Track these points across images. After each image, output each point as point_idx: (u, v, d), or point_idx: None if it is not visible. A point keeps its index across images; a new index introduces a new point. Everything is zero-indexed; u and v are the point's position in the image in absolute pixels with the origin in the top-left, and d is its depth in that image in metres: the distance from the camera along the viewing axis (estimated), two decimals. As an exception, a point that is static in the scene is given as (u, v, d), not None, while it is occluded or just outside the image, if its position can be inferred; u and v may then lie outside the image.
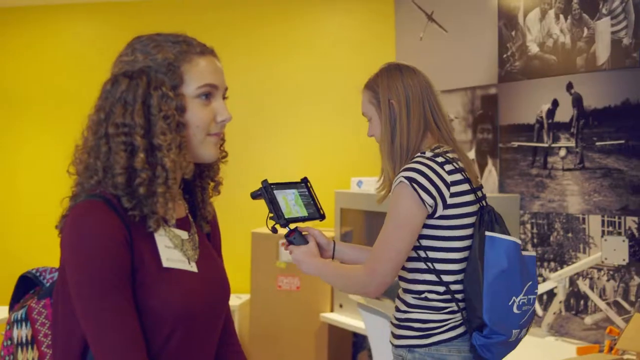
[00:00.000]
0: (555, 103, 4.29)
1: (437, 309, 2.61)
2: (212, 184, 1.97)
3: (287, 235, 2.74)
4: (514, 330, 2.56)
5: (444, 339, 2.59)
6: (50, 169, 5.90)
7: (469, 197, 2.61)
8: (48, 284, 1.98)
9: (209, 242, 1.99)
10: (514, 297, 2.53)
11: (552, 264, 4.27)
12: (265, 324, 5.23)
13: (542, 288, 4.16)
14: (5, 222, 6.10)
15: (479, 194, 2.66)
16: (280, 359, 5.18)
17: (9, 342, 1.92)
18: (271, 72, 5.80)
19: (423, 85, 2.75)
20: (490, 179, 4.75)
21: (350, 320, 4.90)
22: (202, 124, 1.82)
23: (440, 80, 5.15)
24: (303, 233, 2.76)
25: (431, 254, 2.61)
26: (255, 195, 2.62)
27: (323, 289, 5.13)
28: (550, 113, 4.31)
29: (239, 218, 5.56)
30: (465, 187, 2.61)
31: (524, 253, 2.62)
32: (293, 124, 5.77)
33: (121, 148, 1.74)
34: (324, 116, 5.74)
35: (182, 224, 1.88)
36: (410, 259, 2.64)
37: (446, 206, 2.57)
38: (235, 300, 5.49)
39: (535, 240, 4.38)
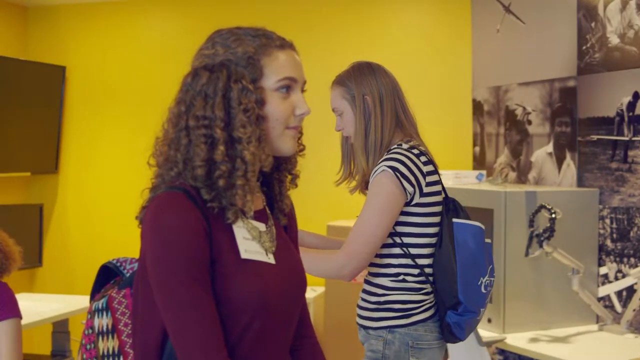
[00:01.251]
0: (636, 96, 4.21)
1: (415, 290, 2.82)
2: (289, 176, 1.98)
3: None
4: (481, 309, 2.81)
5: (421, 319, 2.81)
6: (130, 161, 6.00)
7: (438, 187, 2.85)
8: (128, 274, 2.01)
9: (286, 234, 2.00)
10: (481, 278, 2.78)
11: (632, 260, 4.19)
12: (340, 316, 5.23)
13: (622, 284, 4.09)
14: (87, 213, 6.21)
15: (442, 185, 2.90)
16: (355, 352, 5.18)
17: (90, 331, 1.95)
18: (343, 64, 5.79)
19: (393, 82, 2.97)
20: (568, 172, 4.68)
21: (425, 314, 4.88)
22: (281, 117, 1.83)
23: (517, 73, 5.10)
24: None
25: (406, 240, 2.82)
26: None
27: (398, 283, 5.11)
28: (631, 106, 4.23)
29: (314, 211, 5.58)
30: (436, 177, 2.85)
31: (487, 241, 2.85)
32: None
33: (201, 140, 1.75)
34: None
35: (260, 216, 1.89)
36: (383, 245, 2.83)
37: (422, 194, 2.79)
38: (310, 293, 5.51)
39: (614, 236, 4.31)
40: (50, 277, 6.24)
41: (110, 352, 1.93)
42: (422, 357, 2.80)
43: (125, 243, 5.87)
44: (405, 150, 2.81)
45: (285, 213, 2.00)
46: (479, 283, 2.76)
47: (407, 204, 2.79)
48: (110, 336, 1.93)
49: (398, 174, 2.75)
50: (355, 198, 5.68)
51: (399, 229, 2.82)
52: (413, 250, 2.82)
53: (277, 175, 1.96)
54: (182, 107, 1.79)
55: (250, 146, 1.76)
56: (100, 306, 1.95)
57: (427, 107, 5.62)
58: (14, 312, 3.57)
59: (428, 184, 2.80)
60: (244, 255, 1.78)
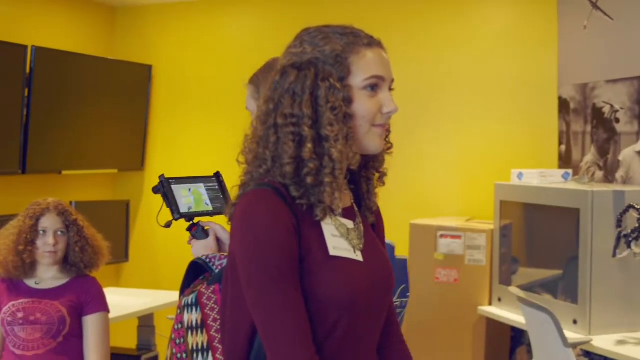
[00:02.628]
0: None
1: None
2: (376, 175, 1.98)
3: (189, 229, 2.73)
4: None
5: None
6: (214, 158, 6.05)
7: None
8: (217, 270, 2.04)
9: (373, 232, 2.00)
10: None
11: None
12: (422, 315, 5.21)
13: None
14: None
15: None
16: (437, 352, 5.16)
17: (180, 326, 1.99)
18: (430, 62, 5.77)
19: None
20: (658, 172, 4.58)
21: (509, 314, 4.83)
22: (368, 115, 1.83)
23: (604, 70, 5.01)
24: (205, 228, 2.71)
25: None
26: (155, 190, 2.71)
27: (482, 282, 5.07)
28: None
29: (397, 209, 5.56)
30: None
31: (398, 256, 2.58)
32: (452, 114, 5.72)
33: (289, 138, 1.77)
34: (484, 107, 5.67)
35: (347, 213, 1.89)
36: None
37: None
38: (392, 291, 5.49)
39: None
40: (136, 272, 6.35)
41: (199, 346, 1.95)
42: None
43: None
44: None
45: (373, 211, 2.00)
46: None
47: None
48: (199, 331, 1.96)
49: None
50: (440, 196, 5.67)
51: None
52: None
53: (364, 173, 1.96)
54: (270, 105, 1.81)
55: (337, 144, 1.77)
56: (189, 301, 1.98)
57: (512, 105, 5.56)
58: (102, 306, 3.65)
59: None
60: (332, 252, 1.79)
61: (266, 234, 1.72)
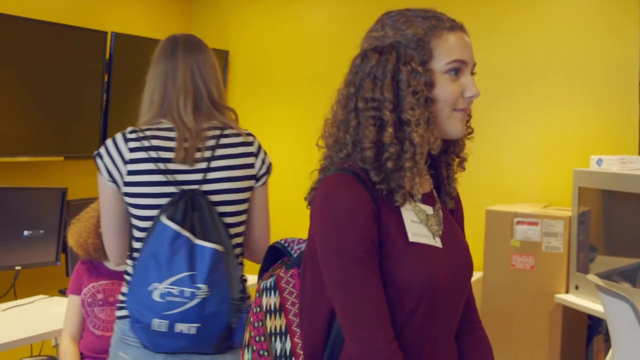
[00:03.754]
0: None
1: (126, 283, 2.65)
2: (457, 160, 1.96)
3: None
4: (155, 319, 2.44)
5: (123, 315, 2.61)
6: (291, 143, 6.07)
7: (155, 178, 2.54)
8: (296, 255, 2.04)
9: (452, 218, 1.99)
10: (154, 284, 2.43)
11: None
12: (497, 303, 5.17)
13: None
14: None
15: (182, 177, 2.55)
16: (513, 339, 5.12)
17: (258, 309, 2.00)
18: (511, 46, 5.69)
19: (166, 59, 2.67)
20: None
21: (586, 302, 4.75)
22: (449, 99, 1.81)
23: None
24: None
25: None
26: None
27: (558, 270, 5.00)
28: None
29: (472, 194, 5.50)
30: (147, 166, 2.54)
31: (201, 242, 2.45)
32: (532, 99, 5.63)
33: (370, 122, 1.76)
34: (564, 92, 5.57)
35: (427, 199, 1.88)
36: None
37: (125, 183, 2.56)
38: (467, 278, 5.45)
39: None
40: (212, 256, 6.41)
41: (278, 330, 1.96)
42: (129, 352, 2.59)
43: (283, 224, 5.96)
44: (121, 134, 2.61)
45: (453, 196, 1.99)
46: (150, 288, 2.43)
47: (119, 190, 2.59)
48: (277, 315, 1.96)
49: (99, 159, 2.61)
50: (517, 182, 5.60)
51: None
52: (132, 242, 2.65)
53: (444, 159, 1.94)
54: (351, 89, 1.80)
55: (418, 128, 1.75)
56: (268, 285, 1.98)
57: (592, 90, 5.45)
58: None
59: (131, 173, 2.55)
60: (411, 238, 1.78)
61: (346, 218, 1.72)
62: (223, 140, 2.60)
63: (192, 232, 2.45)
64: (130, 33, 5.47)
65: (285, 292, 1.96)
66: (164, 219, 2.46)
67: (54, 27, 4.89)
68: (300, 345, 1.92)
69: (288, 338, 1.95)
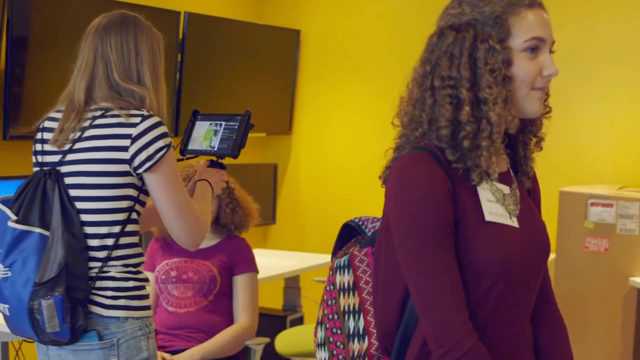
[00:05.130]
0: None
1: None
2: (534, 139, 1.93)
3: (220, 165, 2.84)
4: None
5: None
6: (362, 123, 6.06)
7: (33, 159, 2.54)
8: (370, 233, 2.04)
9: (529, 198, 1.96)
10: None
11: None
12: (570, 285, 5.11)
13: None
14: (318, 173, 6.35)
15: (46, 158, 2.48)
16: (586, 321, 5.05)
17: (332, 287, 2.00)
18: (589, 24, 5.58)
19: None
20: None
21: (662, 286, 4.68)
22: (527, 77, 1.79)
23: None
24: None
25: None
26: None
27: (633, 252, 4.92)
28: None
29: (546, 175, 5.41)
30: (34, 148, 2.55)
31: (10, 224, 2.35)
32: (609, 78, 5.51)
33: (447, 101, 1.75)
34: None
35: (504, 178, 1.86)
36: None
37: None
38: (539, 260, 5.39)
39: None
40: (283, 234, 6.43)
41: (351, 308, 1.96)
42: None
43: (356, 202, 5.97)
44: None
45: (530, 176, 1.96)
46: None
47: None
48: (351, 293, 1.97)
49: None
50: (591, 163, 5.51)
51: None
52: None
53: (522, 138, 1.92)
54: (427, 67, 1.79)
55: (496, 107, 1.74)
56: (342, 263, 1.99)
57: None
58: (252, 266, 3.72)
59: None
60: (488, 217, 1.77)
61: (421, 197, 1.71)
62: (98, 121, 2.43)
63: (17, 212, 2.39)
64: (203, 13, 5.50)
65: (359, 271, 1.96)
66: None
67: (128, 8, 4.92)
68: (373, 323, 1.92)
69: (361, 316, 1.95)
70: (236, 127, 2.76)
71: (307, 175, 6.39)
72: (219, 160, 2.82)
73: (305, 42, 6.37)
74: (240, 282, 3.67)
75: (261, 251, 5.50)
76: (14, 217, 2.36)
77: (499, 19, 1.77)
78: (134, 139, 2.38)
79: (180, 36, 5.27)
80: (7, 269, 2.35)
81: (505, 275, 1.76)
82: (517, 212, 1.85)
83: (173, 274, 3.62)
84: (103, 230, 2.40)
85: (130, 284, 2.43)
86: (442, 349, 1.71)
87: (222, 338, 3.55)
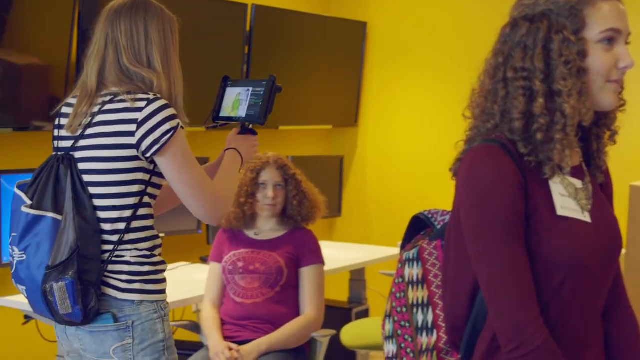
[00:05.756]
0: None
1: None
2: (608, 132, 1.90)
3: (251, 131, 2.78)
4: (16, 283, 2.48)
5: None
6: (428, 116, 6.03)
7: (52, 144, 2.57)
8: (439, 226, 2.03)
9: (602, 192, 1.93)
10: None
11: None
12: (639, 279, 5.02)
13: None
14: (384, 165, 6.33)
15: (61, 143, 2.50)
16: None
17: (400, 280, 1.99)
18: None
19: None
20: None
21: None
22: (602, 70, 1.76)
23: None
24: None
25: None
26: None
27: None
28: None
29: (615, 170, 5.34)
30: (53, 132, 2.57)
31: (24, 209, 2.40)
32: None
33: (519, 93, 1.73)
34: None
35: (576, 172, 1.83)
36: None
37: None
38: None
39: None
40: (348, 227, 6.43)
41: (420, 301, 1.96)
42: None
43: (422, 195, 5.94)
44: None
45: (602, 170, 1.93)
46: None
47: None
48: (420, 286, 1.96)
49: None
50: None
51: None
52: None
53: (595, 131, 1.89)
54: (499, 59, 1.77)
55: (570, 99, 1.71)
56: (411, 256, 1.98)
57: None
58: (318, 258, 3.73)
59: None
60: (560, 212, 1.74)
61: (492, 190, 1.70)
62: (107, 107, 2.44)
63: (32, 197, 2.44)
64: (270, 5, 5.52)
65: (428, 264, 1.95)
66: (20, 183, 2.51)
67: (197, 0, 4.97)
68: (442, 317, 1.92)
69: (430, 310, 1.94)
70: (262, 92, 2.71)
71: (373, 167, 6.38)
72: (250, 127, 2.78)
73: (372, 34, 6.36)
74: (306, 273, 3.68)
75: (327, 243, 5.50)
76: (28, 202, 2.42)
77: (573, 9, 1.74)
78: (140, 124, 2.38)
79: (248, 28, 5.30)
80: (22, 252, 2.41)
81: (577, 270, 1.73)
82: (590, 206, 1.82)
83: (240, 264, 3.64)
84: (114, 214, 2.42)
85: (145, 268, 2.45)
86: (512, 344, 1.70)
87: (289, 329, 3.57)
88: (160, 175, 2.48)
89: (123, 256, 2.43)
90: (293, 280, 3.66)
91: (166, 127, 2.38)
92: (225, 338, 3.55)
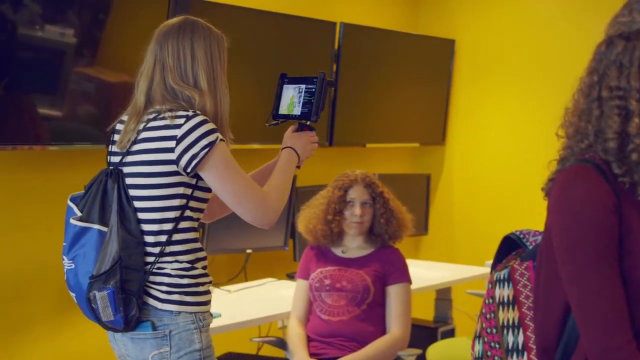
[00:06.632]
0: None
1: None
2: None
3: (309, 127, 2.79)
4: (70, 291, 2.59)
5: None
6: (518, 135, 5.96)
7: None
8: (531, 247, 2.00)
9: None
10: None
11: None
12: None
13: None
14: (472, 184, 6.28)
15: (112, 158, 2.60)
16: None
17: (491, 300, 1.97)
18: None
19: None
20: None
21: None
22: None
23: None
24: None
25: None
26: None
27: None
28: None
29: None
30: (108, 148, 2.66)
31: (72, 220, 2.51)
32: None
33: (615, 112, 1.70)
34: None
35: None
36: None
37: None
38: None
39: None
40: (435, 245, 6.39)
41: (510, 323, 1.93)
42: None
43: (510, 214, 5.87)
44: None
45: None
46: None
47: None
48: (510, 307, 1.94)
49: None
50: None
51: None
52: None
53: None
54: (594, 77, 1.75)
55: None
56: (502, 277, 1.96)
57: None
58: (405, 277, 3.72)
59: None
60: None
61: (585, 211, 1.67)
62: (150, 124, 2.52)
63: (82, 209, 2.53)
64: (358, 23, 5.54)
65: (519, 285, 1.93)
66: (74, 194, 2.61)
67: (285, 19, 5.01)
68: (532, 339, 1.89)
69: (521, 331, 1.92)
70: (314, 90, 2.73)
71: (460, 186, 6.34)
72: (307, 123, 2.79)
73: (460, 52, 6.33)
74: (393, 292, 3.67)
75: (413, 262, 5.46)
76: (78, 214, 2.52)
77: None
78: (179, 140, 2.44)
79: (336, 46, 5.32)
80: (71, 261, 2.51)
81: None
82: None
83: (327, 282, 3.65)
84: (155, 227, 2.49)
85: (185, 280, 2.51)
86: None
87: (375, 348, 3.56)
88: (204, 189, 2.55)
89: (164, 268, 2.50)
90: (380, 298, 3.65)
91: (204, 142, 2.44)
92: (311, 355, 3.56)
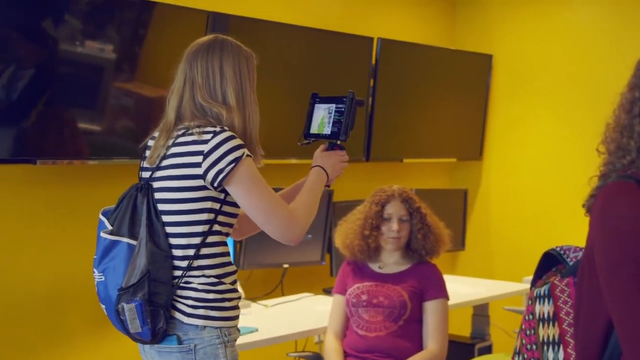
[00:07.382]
0: None
1: None
2: None
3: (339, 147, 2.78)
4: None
5: None
6: (556, 149, 5.93)
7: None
8: (571, 263, 1.99)
9: None
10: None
11: None
12: None
13: None
14: (509, 199, 6.25)
15: (143, 173, 2.64)
16: None
17: (531, 317, 1.96)
18: None
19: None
20: None
21: None
22: None
23: None
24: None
25: None
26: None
27: None
28: None
29: None
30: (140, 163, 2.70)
31: (102, 234, 2.55)
32: None
33: (657, 128, 1.69)
34: None
35: None
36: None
37: None
38: None
39: None
40: (472, 261, 6.36)
41: (550, 339, 1.92)
42: None
43: (549, 230, 5.83)
44: None
45: None
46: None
47: None
48: (551, 323, 1.92)
49: None
50: None
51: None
52: None
53: None
54: (636, 93, 1.74)
55: None
56: (542, 293, 1.95)
57: None
58: (442, 292, 3.70)
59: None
60: None
61: (627, 227, 1.66)
62: (179, 139, 2.55)
63: (113, 222, 2.57)
64: (395, 38, 5.55)
65: (560, 301, 1.92)
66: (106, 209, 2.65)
67: (323, 34, 5.03)
68: (573, 356, 1.88)
69: (561, 348, 1.90)
70: (344, 109, 2.74)
71: (497, 201, 6.31)
72: (338, 142, 2.79)
73: (498, 67, 6.31)
74: (430, 308, 3.65)
75: (450, 277, 5.43)
76: (109, 228, 2.56)
77: None
78: (206, 155, 2.47)
79: (374, 61, 5.33)
80: (101, 274, 2.54)
81: None
82: None
83: (364, 297, 3.65)
84: (183, 241, 2.52)
85: (211, 295, 2.52)
86: None
87: (412, 364, 3.55)
88: (232, 204, 2.56)
89: (191, 282, 2.52)
90: (416, 314, 3.64)
91: (230, 157, 2.46)
92: (348, 370, 3.56)
